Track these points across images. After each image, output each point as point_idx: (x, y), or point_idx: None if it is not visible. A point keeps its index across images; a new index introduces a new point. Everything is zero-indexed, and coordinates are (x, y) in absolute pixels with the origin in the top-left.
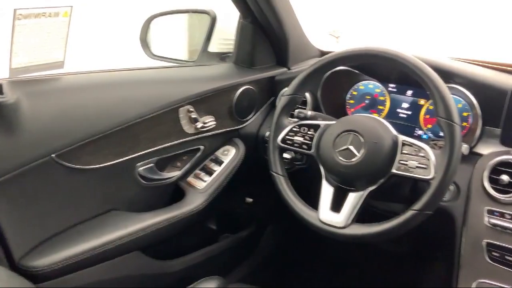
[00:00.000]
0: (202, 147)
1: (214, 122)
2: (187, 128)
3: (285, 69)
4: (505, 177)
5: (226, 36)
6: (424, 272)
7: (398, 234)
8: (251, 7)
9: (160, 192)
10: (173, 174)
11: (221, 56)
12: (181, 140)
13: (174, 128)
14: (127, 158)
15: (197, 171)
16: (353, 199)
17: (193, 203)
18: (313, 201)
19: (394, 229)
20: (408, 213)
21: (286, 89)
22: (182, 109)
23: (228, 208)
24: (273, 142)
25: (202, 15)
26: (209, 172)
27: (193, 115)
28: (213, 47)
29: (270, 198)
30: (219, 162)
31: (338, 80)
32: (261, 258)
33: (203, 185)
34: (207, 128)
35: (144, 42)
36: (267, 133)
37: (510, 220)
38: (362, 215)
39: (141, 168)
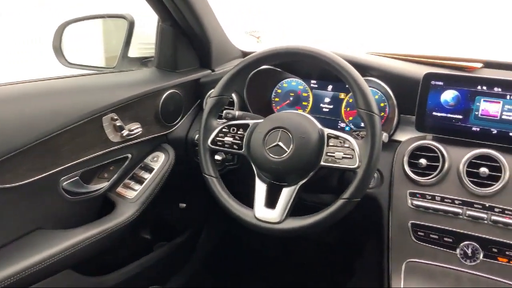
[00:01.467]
0: (129, 156)
1: (141, 129)
2: (112, 137)
3: (209, 71)
4: (423, 161)
5: (146, 40)
6: (357, 258)
7: (331, 223)
8: (170, 10)
9: (89, 206)
10: (101, 185)
11: (142, 61)
12: (106, 150)
13: (98, 137)
14: (49, 173)
15: (126, 180)
16: (286, 194)
17: (124, 214)
18: (248, 200)
19: (327, 219)
20: (339, 202)
21: (212, 91)
22: (106, 118)
23: (161, 216)
24: (203, 145)
25: (118, 20)
26: (139, 181)
27: (118, 123)
28: (134, 52)
29: (204, 201)
30: (149, 170)
31: (263, 79)
32: (199, 264)
33: (133, 194)
34: (134, 136)
35: (58, 49)
36: (197, 136)
37: (431, 200)
38: (296, 209)
39: (65, 183)
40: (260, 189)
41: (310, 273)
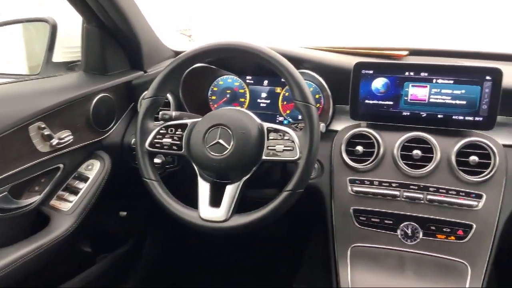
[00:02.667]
0: (61, 166)
1: (72, 137)
2: (41, 147)
3: (141, 73)
4: (359, 148)
5: (71, 43)
6: (305, 248)
7: (277, 216)
8: (95, 10)
9: (20, 222)
10: (32, 199)
11: (69, 66)
12: (35, 161)
13: (25, 148)
14: None
15: (60, 192)
16: (230, 191)
17: (60, 227)
18: (192, 201)
19: (273, 212)
20: (283, 195)
21: (146, 92)
22: (32, 127)
23: (102, 226)
24: (141, 148)
25: (40, 24)
26: (74, 191)
27: (46, 132)
28: (58, 57)
29: (146, 207)
30: (83, 179)
31: (198, 77)
32: (145, 272)
33: (69, 206)
34: (64, 144)
35: None
36: (133, 140)
37: (370, 185)
38: (242, 206)
39: None
40: (203, 188)
41: (260, 269)
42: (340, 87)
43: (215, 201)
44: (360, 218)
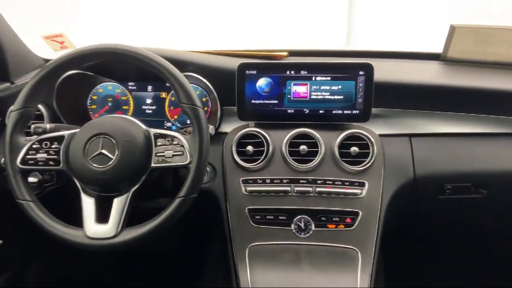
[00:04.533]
0: None
1: None
2: None
3: (8, 84)
4: (250, 148)
5: None
6: (205, 254)
7: (171, 224)
8: None
9: None
10: None
11: None
12: None
13: None
14: None
15: None
16: (118, 204)
17: None
18: (76, 220)
19: (166, 221)
20: (176, 202)
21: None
22: None
23: None
24: (12, 166)
25: None
26: None
27: None
28: None
29: (24, 233)
30: None
31: (74, 86)
32: None
33: None
34: None
35: None
36: (2, 159)
37: (262, 184)
38: (135, 219)
39: None
40: (88, 204)
41: (160, 281)
42: (226, 89)
43: (102, 216)
44: (256, 217)
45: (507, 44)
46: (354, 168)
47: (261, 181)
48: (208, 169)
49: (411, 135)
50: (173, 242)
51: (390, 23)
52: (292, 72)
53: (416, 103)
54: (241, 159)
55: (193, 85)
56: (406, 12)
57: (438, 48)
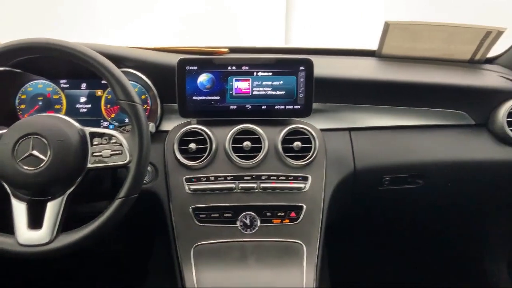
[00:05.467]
0: None
1: None
2: None
3: None
4: (192, 145)
5: None
6: (149, 257)
7: (111, 227)
8: None
9: None
10: None
11: None
12: None
13: None
14: None
15: None
16: (52, 208)
17: None
18: (6, 227)
19: (106, 224)
20: (115, 203)
21: None
22: None
23: None
24: None
25: None
26: None
27: None
28: None
29: None
30: None
31: (0, 84)
32: None
33: None
34: None
35: None
36: None
37: (206, 182)
38: (72, 224)
39: None
40: (19, 209)
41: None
42: (166, 86)
43: (35, 222)
44: (200, 216)
45: (438, 40)
46: (297, 163)
47: (204, 179)
48: (149, 169)
49: (350, 129)
50: (116, 244)
51: (328, 21)
52: (234, 67)
53: (355, 97)
54: (184, 157)
55: (131, 82)
56: (343, 10)
57: (375, 46)
